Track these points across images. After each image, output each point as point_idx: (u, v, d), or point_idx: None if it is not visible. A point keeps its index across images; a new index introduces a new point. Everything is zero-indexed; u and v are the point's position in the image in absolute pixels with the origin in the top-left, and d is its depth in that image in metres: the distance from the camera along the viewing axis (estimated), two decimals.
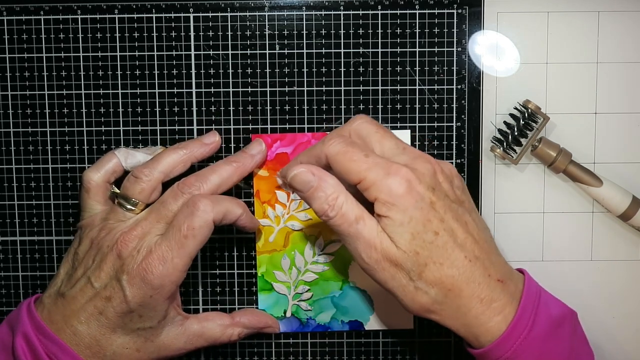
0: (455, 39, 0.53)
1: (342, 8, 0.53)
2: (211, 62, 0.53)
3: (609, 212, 0.54)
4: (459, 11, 0.53)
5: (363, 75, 0.53)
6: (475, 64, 0.53)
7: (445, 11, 0.53)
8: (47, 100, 0.54)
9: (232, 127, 0.54)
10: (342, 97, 0.54)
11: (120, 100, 0.54)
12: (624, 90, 0.54)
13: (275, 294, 0.55)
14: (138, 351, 0.48)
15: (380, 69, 0.53)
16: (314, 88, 0.53)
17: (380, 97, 0.54)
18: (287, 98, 0.54)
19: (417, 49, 0.53)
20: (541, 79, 0.54)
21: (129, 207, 0.49)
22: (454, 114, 0.54)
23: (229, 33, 0.53)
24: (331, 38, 0.53)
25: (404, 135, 0.53)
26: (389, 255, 0.44)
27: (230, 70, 0.53)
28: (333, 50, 0.53)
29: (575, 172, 0.53)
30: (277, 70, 0.53)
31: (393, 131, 0.50)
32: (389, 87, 0.53)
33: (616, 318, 0.55)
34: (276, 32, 0.53)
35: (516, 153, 0.53)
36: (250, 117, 0.54)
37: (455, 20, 0.53)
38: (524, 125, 0.52)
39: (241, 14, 0.53)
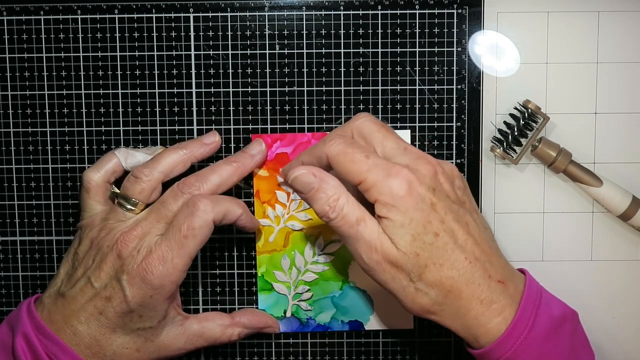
0: (455, 39, 0.53)
1: (342, 8, 0.53)
2: (211, 62, 0.53)
3: (609, 212, 0.54)
4: (459, 11, 0.53)
5: (363, 75, 0.53)
6: (475, 64, 0.53)
7: (445, 11, 0.53)
8: (47, 100, 0.54)
9: (232, 127, 0.54)
10: (342, 97, 0.54)
11: (120, 100, 0.54)
12: (624, 90, 0.54)
13: (275, 294, 0.55)
14: (138, 351, 0.48)
15: (380, 69, 0.53)
16: (314, 88, 0.54)
17: (380, 97, 0.54)
18: (287, 98, 0.54)
19: (417, 49, 0.53)
20: (541, 79, 0.54)
21: (129, 207, 0.49)
22: (454, 114, 0.54)
23: (229, 33, 0.53)
24: (331, 38, 0.53)
25: (404, 135, 0.53)
26: (389, 256, 0.44)
27: (230, 70, 0.53)
28: (333, 50, 0.53)
29: (575, 172, 0.53)
30: (277, 70, 0.53)
31: None
32: (389, 87, 0.53)
33: (616, 318, 0.55)
34: (276, 32, 0.53)
35: (516, 153, 0.53)
36: (250, 117, 0.54)
37: (455, 20, 0.53)
38: (524, 125, 0.52)
39: (241, 14, 0.53)
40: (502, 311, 0.45)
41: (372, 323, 0.55)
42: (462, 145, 0.54)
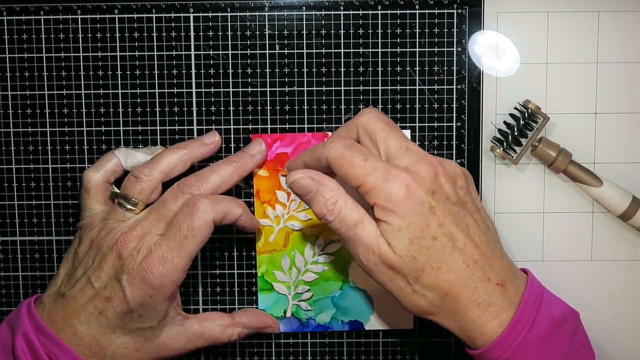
0: (455, 39, 0.53)
1: (342, 8, 0.53)
2: (211, 62, 0.53)
3: (609, 212, 0.54)
4: (459, 11, 0.53)
5: (363, 75, 0.53)
6: (475, 64, 0.53)
7: (445, 11, 0.53)
8: (47, 100, 0.54)
9: (232, 127, 0.54)
10: (342, 97, 0.54)
11: (120, 100, 0.54)
12: (624, 90, 0.54)
13: (275, 294, 0.55)
14: (138, 351, 0.48)
15: (380, 69, 0.53)
16: (314, 88, 0.54)
17: (380, 97, 0.54)
18: (287, 98, 0.54)
19: (417, 49, 0.53)
20: (541, 79, 0.54)
21: (128, 207, 0.49)
22: (454, 114, 0.54)
23: (229, 33, 0.53)
24: (331, 38, 0.53)
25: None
26: (386, 259, 0.44)
27: (230, 70, 0.53)
28: (333, 50, 0.53)
29: (575, 172, 0.53)
30: (277, 70, 0.53)
31: None
32: (389, 87, 0.53)
33: (616, 318, 0.55)
34: (276, 32, 0.53)
35: (516, 153, 0.53)
36: (250, 117, 0.54)
37: (455, 20, 0.53)
38: (524, 125, 0.52)
39: (241, 14, 0.53)
40: (500, 314, 0.45)
41: (372, 323, 0.55)
42: (462, 145, 0.54)
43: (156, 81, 0.53)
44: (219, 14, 0.53)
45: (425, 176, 0.44)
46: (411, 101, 0.54)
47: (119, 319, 0.47)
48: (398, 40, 0.53)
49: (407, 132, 0.54)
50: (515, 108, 0.53)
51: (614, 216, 0.54)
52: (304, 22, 0.53)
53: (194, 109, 0.54)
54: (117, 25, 0.53)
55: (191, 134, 0.54)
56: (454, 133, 0.54)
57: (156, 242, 0.47)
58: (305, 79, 0.53)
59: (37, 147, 0.54)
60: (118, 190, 0.50)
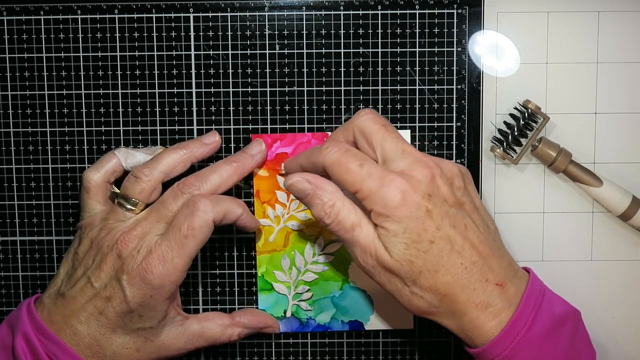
0: (455, 39, 0.53)
1: (342, 8, 0.53)
2: (211, 62, 0.53)
3: (609, 212, 0.54)
4: (459, 11, 0.53)
5: (363, 75, 0.53)
6: (475, 64, 0.53)
7: (445, 11, 0.53)
8: (47, 100, 0.54)
9: (232, 127, 0.54)
10: (342, 97, 0.54)
11: (120, 100, 0.54)
12: (624, 90, 0.54)
13: (275, 294, 0.55)
14: (138, 351, 0.48)
15: (380, 69, 0.53)
16: (314, 88, 0.54)
17: (380, 97, 0.54)
18: (287, 98, 0.54)
19: (417, 49, 0.53)
20: (541, 79, 0.54)
21: (128, 207, 0.49)
22: (454, 114, 0.54)
23: (229, 33, 0.53)
24: (331, 38, 0.53)
25: (404, 135, 0.53)
26: (383, 263, 0.44)
27: (230, 70, 0.53)
28: (333, 50, 0.53)
29: (575, 172, 0.53)
30: (277, 70, 0.53)
31: None
32: (389, 87, 0.53)
33: (616, 318, 0.55)
34: (276, 32, 0.53)
35: (516, 153, 0.53)
36: (250, 117, 0.54)
37: (455, 20, 0.53)
38: (524, 125, 0.52)
39: (241, 14, 0.53)
40: (498, 315, 0.45)
41: (372, 323, 0.55)
42: (462, 145, 0.54)
43: (156, 81, 0.53)
44: (219, 14, 0.53)
45: (421, 180, 0.44)
46: (411, 101, 0.54)
47: (119, 319, 0.47)
48: (398, 40, 0.53)
49: (407, 132, 0.54)
50: (515, 108, 0.53)
51: (614, 216, 0.54)
52: (304, 22, 0.53)
53: (194, 109, 0.54)
54: (117, 25, 0.53)
55: (191, 134, 0.54)
56: (454, 133, 0.54)
57: (156, 242, 0.47)
58: (305, 79, 0.53)
59: (37, 147, 0.54)
60: (118, 190, 0.50)
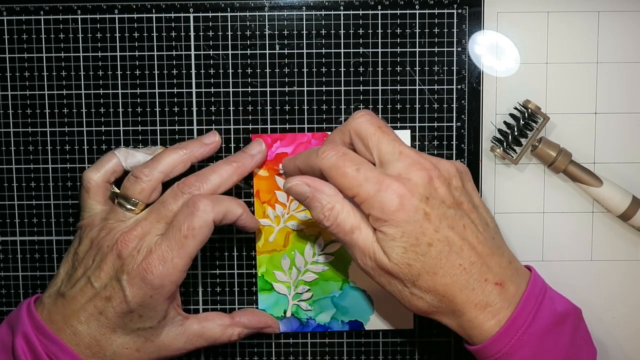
0: (455, 39, 0.53)
1: (342, 8, 0.53)
2: (211, 62, 0.53)
3: (609, 212, 0.54)
4: (459, 11, 0.53)
5: (363, 75, 0.53)
6: (475, 64, 0.53)
7: (445, 11, 0.53)
8: (47, 100, 0.54)
9: (232, 127, 0.54)
10: (342, 97, 0.54)
11: (120, 100, 0.54)
12: (624, 90, 0.54)
13: (275, 294, 0.55)
14: (138, 351, 0.48)
15: (380, 69, 0.53)
16: (314, 88, 0.54)
17: (380, 97, 0.54)
18: (287, 98, 0.54)
19: (417, 49, 0.53)
20: (541, 79, 0.54)
21: (128, 207, 0.49)
22: (454, 114, 0.54)
23: (229, 33, 0.53)
24: (331, 38, 0.53)
25: (404, 135, 0.53)
26: (382, 266, 0.45)
27: (230, 70, 0.53)
28: (333, 50, 0.53)
29: (575, 172, 0.53)
30: (277, 70, 0.53)
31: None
32: (389, 87, 0.53)
33: (616, 318, 0.55)
34: (276, 32, 0.53)
35: (516, 153, 0.53)
36: (250, 117, 0.54)
37: (455, 20, 0.53)
38: (524, 125, 0.52)
39: (241, 14, 0.53)
40: (497, 314, 0.45)
41: (372, 323, 0.55)
42: (462, 145, 0.54)
43: (156, 81, 0.53)
44: (219, 14, 0.53)
45: (418, 183, 0.44)
46: (411, 101, 0.54)
47: (119, 318, 0.47)
48: (398, 40, 0.53)
49: (407, 132, 0.54)
50: (515, 108, 0.53)
51: (614, 216, 0.54)
52: (304, 22, 0.53)
53: (194, 109, 0.54)
54: (117, 25, 0.53)
55: (191, 134, 0.54)
56: (454, 133, 0.54)
57: (156, 242, 0.47)
58: (305, 79, 0.53)
59: (37, 147, 0.54)
60: (118, 190, 0.50)
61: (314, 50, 0.53)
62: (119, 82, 0.54)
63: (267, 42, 0.53)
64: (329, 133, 0.53)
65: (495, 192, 0.54)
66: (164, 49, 0.53)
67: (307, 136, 0.54)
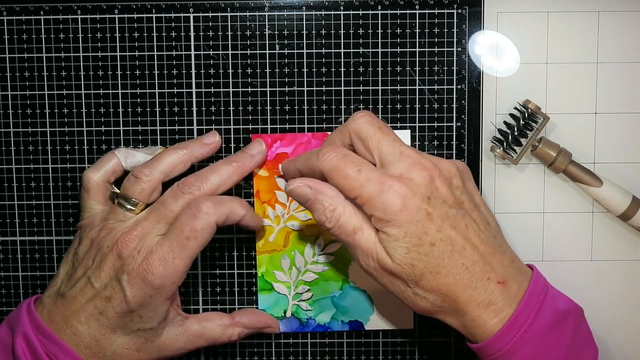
0: (455, 39, 0.53)
1: (342, 8, 0.53)
2: (211, 62, 0.53)
3: (609, 212, 0.54)
4: (459, 11, 0.53)
5: (363, 75, 0.53)
6: (475, 64, 0.53)
7: (445, 11, 0.53)
8: (47, 100, 0.54)
9: (232, 127, 0.54)
10: (342, 97, 0.54)
11: (120, 100, 0.54)
12: (624, 90, 0.54)
13: (275, 294, 0.55)
14: (138, 351, 0.48)
15: (380, 69, 0.53)
16: (314, 88, 0.54)
17: (380, 97, 0.54)
18: (287, 98, 0.54)
19: (417, 49, 0.53)
20: (541, 79, 0.54)
21: (128, 207, 0.49)
22: (454, 114, 0.54)
23: (229, 33, 0.53)
24: (331, 38, 0.53)
25: (404, 135, 0.53)
26: (384, 266, 0.45)
27: (230, 70, 0.53)
28: (333, 50, 0.53)
29: (575, 172, 0.53)
30: (277, 70, 0.53)
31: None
32: (389, 87, 0.53)
33: (616, 318, 0.55)
34: (276, 32, 0.53)
35: (516, 153, 0.53)
36: (250, 117, 0.54)
37: (455, 20, 0.53)
38: (524, 125, 0.52)
39: (241, 14, 0.53)
40: (500, 312, 0.45)
41: (372, 323, 0.55)
42: (462, 145, 0.54)
43: (156, 81, 0.53)
44: (219, 14, 0.53)
45: (420, 183, 0.44)
46: (411, 101, 0.54)
47: (119, 319, 0.47)
48: (398, 40, 0.53)
49: (407, 132, 0.54)
50: (515, 108, 0.53)
51: (614, 216, 0.54)
52: (304, 22, 0.53)
53: (194, 109, 0.54)
54: (117, 25, 0.53)
55: (191, 134, 0.54)
56: (454, 133, 0.54)
57: (157, 242, 0.47)
58: (305, 79, 0.53)
59: (37, 147, 0.54)
60: (118, 191, 0.50)
61: (314, 50, 0.53)
62: (119, 82, 0.54)
63: (267, 42, 0.53)
64: (329, 133, 0.53)
65: (495, 192, 0.54)
66: (164, 49, 0.53)
67: (307, 136, 0.54)
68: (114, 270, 0.47)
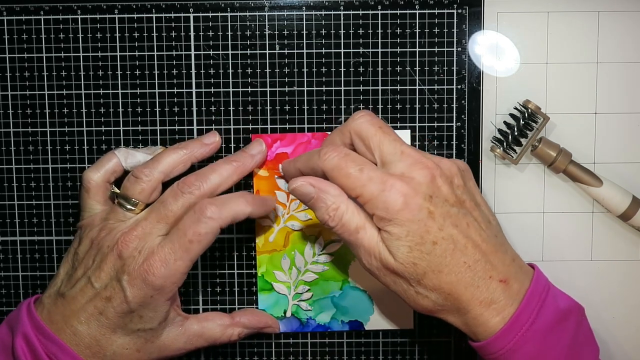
0: (455, 39, 0.53)
1: (342, 8, 0.53)
2: (211, 62, 0.53)
3: (609, 212, 0.54)
4: (459, 11, 0.53)
5: (363, 75, 0.53)
6: (475, 64, 0.53)
7: (445, 11, 0.53)
8: (47, 100, 0.54)
9: (232, 127, 0.54)
10: (342, 97, 0.54)
11: (120, 100, 0.54)
12: (624, 90, 0.54)
13: (275, 294, 0.55)
14: (138, 351, 0.48)
15: (380, 69, 0.53)
16: (314, 88, 0.54)
17: (380, 97, 0.54)
18: (287, 98, 0.54)
19: (417, 49, 0.53)
20: (541, 79, 0.54)
21: (128, 207, 0.49)
22: (454, 114, 0.54)
23: (229, 33, 0.53)
24: (331, 38, 0.53)
25: (404, 135, 0.53)
26: (387, 265, 0.45)
27: (230, 70, 0.53)
28: (333, 50, 0.53)
29: (575, 172, 0.53)
30: (277, 70, 0.53)
31: None
32: (389, 87, 0.53)
33: (616, 318, 0.55)
34: (276, 32, 0.53)
35: (516, 153, 0.53)
36: (250, 117, 0.54)
37: (455, 20, 0.53)
38: (524, 125, 0.52)
39: (241, 14, 0.53)
40: (502, 311, 0.45)
41: (372, 323, 0.55)
42: (462, 145, 0.54)
43: (156, 81, 0.53)
44: (219, 14, 0.53)
45: (421, 182, 0.44)
46: (411, 101, 0.54)
47: (119, 319, 0.47)
48: (398, 40, 0.53)
49: (407, 132, 0.54)
50: (515, 108, 0.53)
51: (614, 216, 0.54)
52: (304, 22, 0.53)
53: (194, 109, 0.54)
54: (117, 25, 0.53)
55: (191, 134, 0.54)
56: (454, 133, 0.54)
57: (159, 243, 0.47)
58: (305, 79, 0.53)
59: (37, 147, 0.54)
60: (118, 191, 0.50)
61: (314, 50, 0.53)
62: (119, 82, 0.54)
63: (267, 42, 0.53)
64: (329, 133, 0.53)
65: (495, 192, 0.54)
66: (164, 49, 0.53)
67: (307, 136, 0.54)
68: (114, 270, 0.47)
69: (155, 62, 0.53)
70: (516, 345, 0.44)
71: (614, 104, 0.54)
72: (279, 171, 0.53)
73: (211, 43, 0.53)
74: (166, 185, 0.50)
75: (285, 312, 0.55)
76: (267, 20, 0.53)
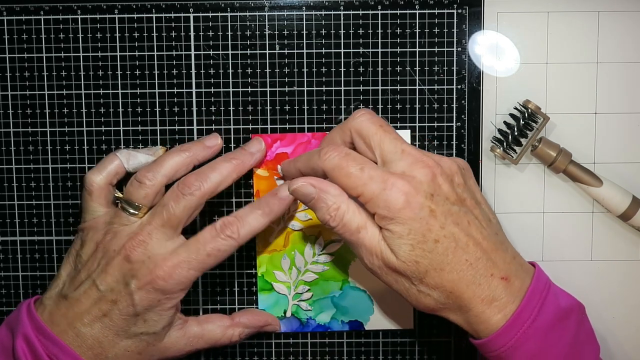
0: (455, 39, 0.53)
1: (342, 8, 0.53)
2: (211, 62, 0.53)
3: (609, 212, 0.54)
4: (459, 11, 0.53)
5: (363, 75, 0.53)
6: (475, 64, 0.53)
7: (445, 11, 0.53)
8: (47, 100, 0.54)
9: (232, 127, 0.54)
10: (342, 97, 0.54)
11: (120, 100, 0.54)
12: (624, 90, 0.54)
13: (275, 294, 0.55)
14: (139, 354, 0.48)
15: (380, 69, 0.53)
16: (314, 88, 0.53)
17: (380, 97, 0.54)
18: (287, 98, 0.54)
19: (417, 49, 0.53)
20: (541, 79, 0.54)
21: (132, 211, 0.49)
22: (454, 114, 0.54)
23: (229, 33, 0.53)
24: (331, 38, 0.53)
25: (404, 136, 0.53)
26: (389, 264, 0.45)
27: (230, 70, 0.53)
28: (333, 50, 0.53)
29: (575, 172, 0.53)
30: (277, 70, 0.53)
31: None
32: (389, 87, 0.53)
33: (616, 318, 0.55)
34: (276, 32, 0.53)
35: (516, 153, 0.53)
36: (250, 117, 0.54)
37: (455, 20, 0.53)
38: (524, 125, 0.52)
39: (241, 14, 0.53)
40: (503, 308, 0.45)
41: (372, 323, 0.55)
42: (462, 145, 0.54)
43: (156, 81, 0.53)
44: (219, 14, 0.53)
45: (422, 180, 0.44)
46: (411, 101, 0.54)
47: (124, 322, 0.47)
48: (398, 40, 0.53)
49: (407, 132, 0.54)
50: (515, 108, 0.53)
51: (614, 216, 0.54)
52: (304, 22, 0.53)
53: (194, 109, 0.54)
54: (117, 25, 0.53)
55: (191, 134, 0.54)
56: (454, 133, 0.54)
57: (174, 250, 0.47)
58: (305, 79, 0.53)
59: (37, 147, 0.54)
60: (121, 195, 0.50)
61: (314, 50, 0.53)
62: (119, 82, 0.54)
63: (267, 42, 0.53)
64: (327, 135, 0.53)
65: (495, 192, 0.54)
66: (164, 49, 0.53)
67: (307, 136, 0.54)
68: (121, 274, 0.47)
69: (155, 62, 0.53)
70: (518, 343, 0.44)
71: (614, 104, 0.54)
72: (279, 172, 0.53)
73: (211, 43, 0.53)
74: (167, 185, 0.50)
75: (285, 312, 0.55)
76: (267, 20, 0.53)
